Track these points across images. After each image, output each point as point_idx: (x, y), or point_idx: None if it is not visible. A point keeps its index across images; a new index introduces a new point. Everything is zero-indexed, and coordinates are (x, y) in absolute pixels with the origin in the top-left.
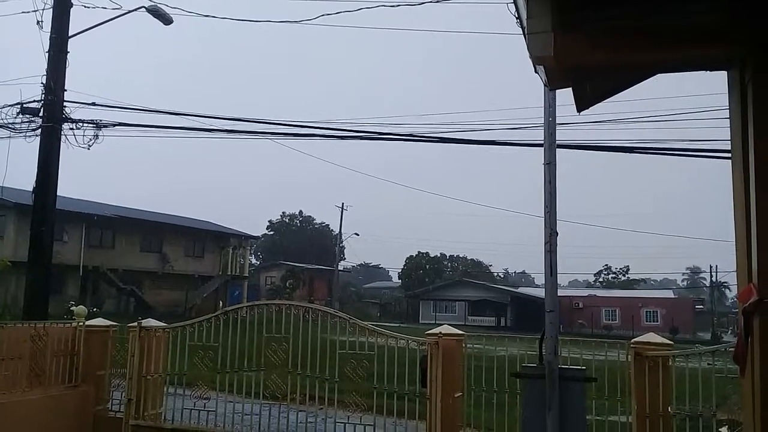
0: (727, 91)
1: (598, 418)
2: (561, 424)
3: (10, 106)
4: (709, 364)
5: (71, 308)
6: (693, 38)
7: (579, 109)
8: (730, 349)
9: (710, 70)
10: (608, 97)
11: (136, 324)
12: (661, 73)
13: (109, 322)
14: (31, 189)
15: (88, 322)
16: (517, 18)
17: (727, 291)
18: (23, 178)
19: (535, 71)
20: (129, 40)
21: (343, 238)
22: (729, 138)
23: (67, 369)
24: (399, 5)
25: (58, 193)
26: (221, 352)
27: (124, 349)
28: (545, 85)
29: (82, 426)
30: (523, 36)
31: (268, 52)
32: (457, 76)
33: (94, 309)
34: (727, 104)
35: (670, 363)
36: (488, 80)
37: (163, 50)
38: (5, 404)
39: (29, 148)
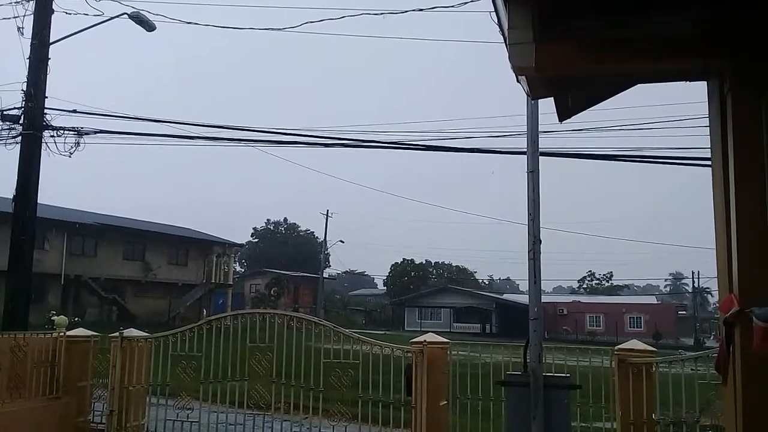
0: (707, 101)
1: (583, 424)
2: (546, 431)
3: None
4: (692, 369)
5: (52, 318)
6: (672, 50)
7: (561, 119)
8: (713, 355)
9: (690, 81)
10: (590, 107)
11: (117, 334)
12: (642, 83)
13: (90, 333)
14: (11, 197)
15: (69, 333)
16: (499, 28)
17: (709, 296)
18: (3, 185)
19: (517, 81)
20: (114, 48)
21: (328, 245)
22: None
23: (48, 380)
24: (383, 13)
25: (39, 201)
26: (205, 362)
27: (106, 359)
28: (527, 95)
29: None
30: (505, 46)
31: (255, 60)
32: (442, 84)
33: (76, 318)
34: (707, 114)
35: (654, 369)
36: (473, 87)
37: (148, 58)
38: None
39: (9, 155)
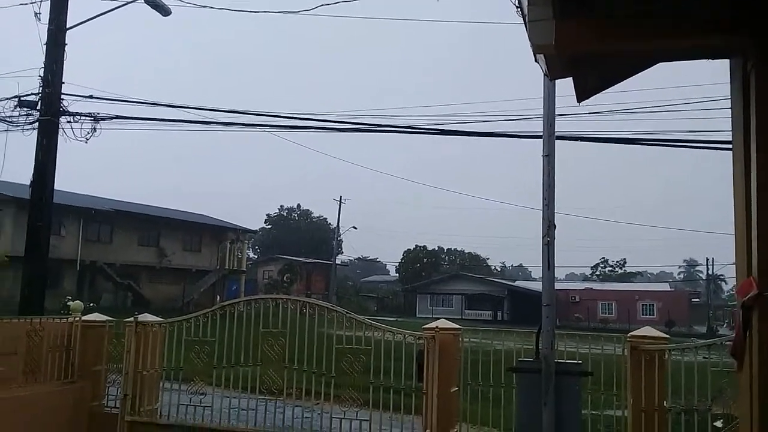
0: (729, 81)
1: (593, 412)
2: (556, 418)
3: (7, 99)
4: (704, 357)
5: (68, 303)
6: (695, 27)
7: (579, 100)
8: (727, 343)
9: (712, 59)
10: (609, 87)
11: (132, 319)
12: (663, 61)
13: (105, 318)
14: (28, 183)
15: (84, 318)
16: (517, 6)
17: (723, 284)
18: (21, 171)
19: (536, 60)
20: (133, 33)
21: (340, 231)
22: (730, 129)
23: (63, 365)
24: None
25: (55, 187)
26: (218, 347)
27: (121, 344)
28: (545, 75)
29: (78, 422)
30: (523, 24)
31: (273, 44)
32: (457, 67)
33: (91, 304)
34: (729, 94)
35: (666, 357)
36: (488, 71)
37: (166, 43)
38: (0, 400)
39: (26, 141)
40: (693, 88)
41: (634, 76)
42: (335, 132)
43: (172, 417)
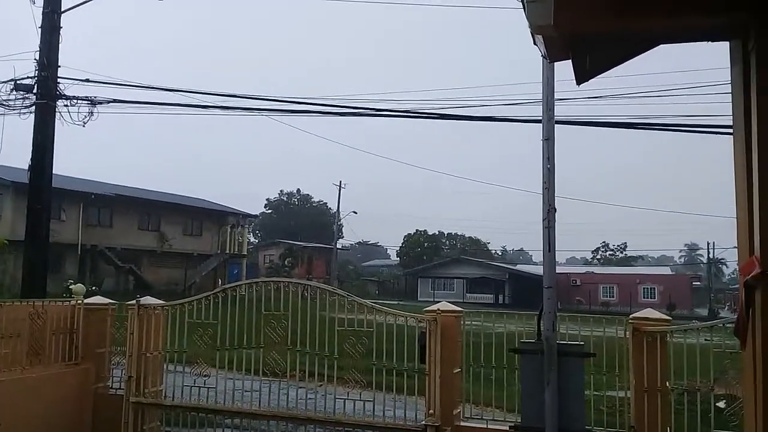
0: (729, 64)
1: (596, 393)
2: (559, 398)
3: (3, 82)
4: (706, 339)
5: (70, 287)
6: (696, 5)
7: (579, 82)
8: (728, 325)
9: (713, 41)
10: (609, 69)
11: (134, 302)
12: (664, 43)
13: (107, 300)
14: (26, 167)
15: (86, 300)
16: None
17: (724, 267)
18: (19, 156)
19: (534, 43)
20: (124, 17)
21: (341, 216)
22: (727, 113)
23: (67, 347)
24: None
25: (54, 171)
26: (220, 330)
27: (124, 327)
28: (544, 57)
29: (83, 403)
30: (522, 5)
31: (257, 26)
32: (456, 52)
33: (93, 287)
34: (729, 78)
35: (668, 338)
36: (487, 56)
37: (161, 26)
38: (5, 382)
39: (24, 125)
40: (693, 74)
41: (634, 60)
42: (333, 116)
43: (176, 398)
